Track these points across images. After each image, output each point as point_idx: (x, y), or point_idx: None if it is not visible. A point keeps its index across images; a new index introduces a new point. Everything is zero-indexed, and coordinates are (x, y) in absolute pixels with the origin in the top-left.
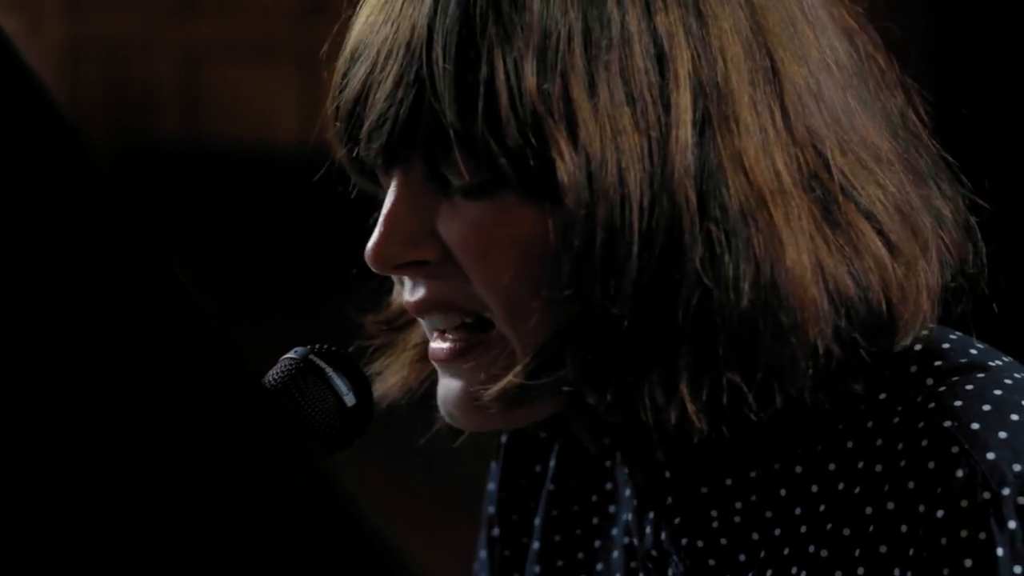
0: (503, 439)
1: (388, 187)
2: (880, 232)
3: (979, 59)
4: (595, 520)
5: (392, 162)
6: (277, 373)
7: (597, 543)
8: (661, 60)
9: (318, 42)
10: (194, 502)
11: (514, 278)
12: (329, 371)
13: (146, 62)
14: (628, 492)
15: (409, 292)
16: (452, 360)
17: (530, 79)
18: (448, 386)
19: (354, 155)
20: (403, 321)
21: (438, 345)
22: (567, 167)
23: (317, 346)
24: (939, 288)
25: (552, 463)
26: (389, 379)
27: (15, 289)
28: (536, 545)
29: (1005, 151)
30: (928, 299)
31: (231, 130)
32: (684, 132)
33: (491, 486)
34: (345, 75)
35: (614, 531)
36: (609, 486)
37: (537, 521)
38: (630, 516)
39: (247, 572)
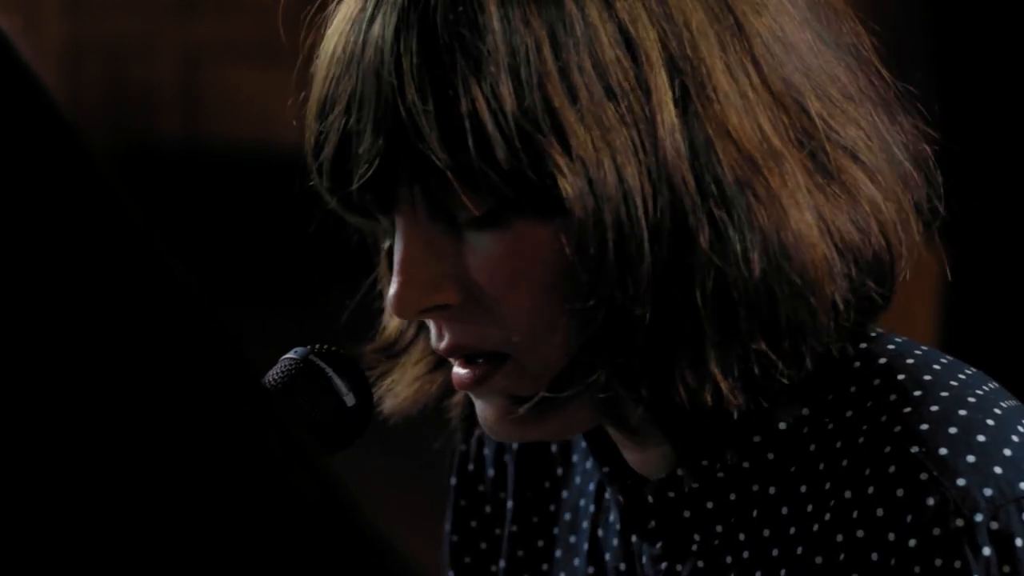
0: (452, 481)
1: (391, 227)
2: (867, 172)
3: (979, 59)
4: (557, 553)
5: (391, 206)
6: (277, 373)
7: (558, 553)
8: (630, 45)
9: (318, 42)
10: (194, 502)
11: (543, 300)
12: (329, 371)
13: (146, 62)
14: (587, 524)
15: (436, 339)
16: (474, 387)
17: (509, 100)
18: (481, 407)
19: (347, 204)
20: (402, 345)
21: (460, 371)
22: (567, 178)
23: (317, 346)
24: (918, 216)
25: (510, 504)
26: (401, 394)
27: (14, 289)
28: (502, 563)
29: (1004, 152)
30: (916, 227)
31: (231, 130)
32: (668, 114)
33: (446, 526)
34: (319, 134)
35: (576, 561)
36: (568, 516)
37: (503, 564)
38: (587, 524)
39: (247, 572)
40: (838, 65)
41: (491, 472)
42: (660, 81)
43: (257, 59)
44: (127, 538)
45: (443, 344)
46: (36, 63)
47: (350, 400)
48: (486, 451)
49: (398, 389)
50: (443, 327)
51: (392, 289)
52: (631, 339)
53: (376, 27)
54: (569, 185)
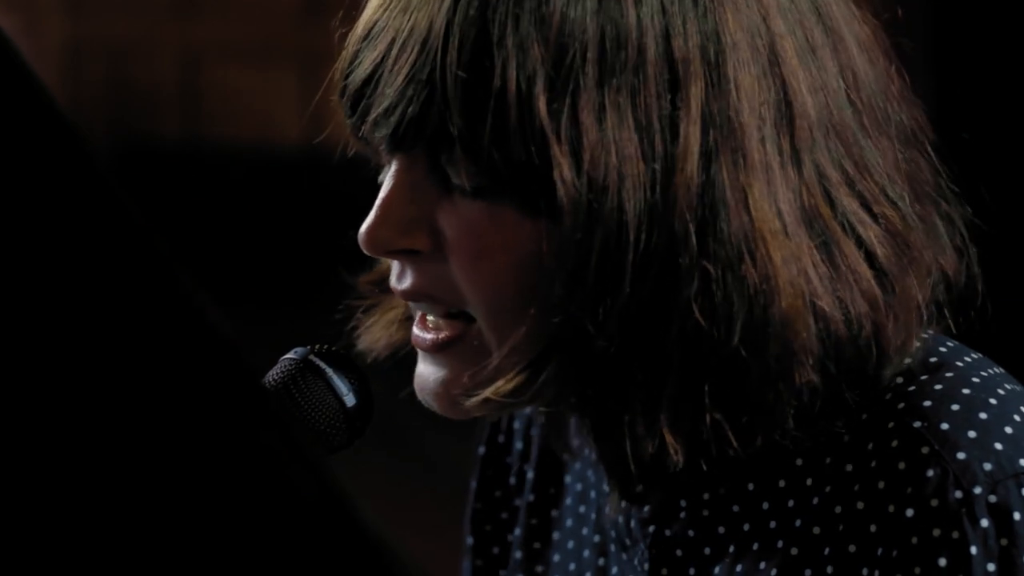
0: (481, 451)
1: (388, 166)
2: (878, 274)
3: (978, 61)
4: (568, 522)
5: (395, 149)
6: (277, 373)
7: (570, 544)
8: (674, 88)
9: (318, 42)
10: (194, 502)
11: (501, 283)
12: (329, 371)
13: (146, 62)
14: (594, 493)
15: (396, 279)
16: (434, 351)
17: (540, 97)
18: (426, 373)
19: (359, 132)
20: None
21: (421, 334)
22: (568, 190)
23: (317, 346)
24: (930, 318)
25: (530, 475)
26: (376, 334)
27: (14, 289)
28: (518, 555)
29: (1003, 154)
30: (916, 337)
31: (231, 130)
32: (691, 165)
33: (469, 498)
34: (356, 55)
35: (584, 531)
36: (579, 487)
37: (518, 532)
38: (595, 494)
39: (247, 572)
40: (888, 154)
41: (519, 445)
42: (692, 132)
43: (257, 59)
44: (126, 535)
45: (403, 286)
46: (36, 63)
47: (350, 400)
48: (516, 424)
49: (374, 330)
50: (407, 269)
51: (365, 224)
52: (589, 367)
53: None
54: (567, 197)
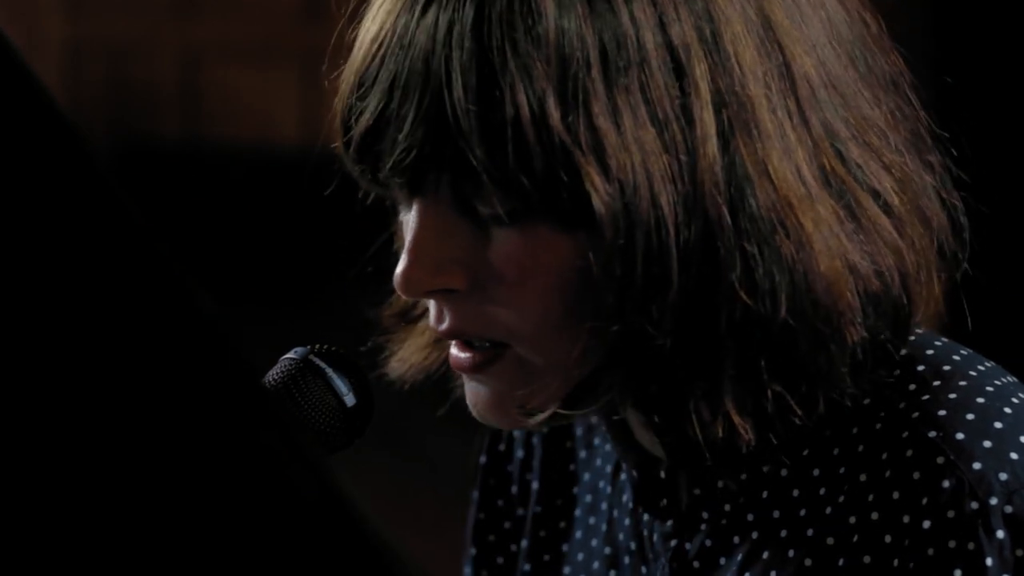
0: (482, 460)
1: (408, 207)
2: (895, 222)
3: (979, 59)
4: (578, 534)
5: (417, 192)
6: (277, 373)
7: (579, 556)
8: (680, 74)
9: (318, 42)
10: (194, 502)
11: (544, 307)
12: (329, 371)
13: (146, 62)
14: (605, 505)
15: (435, 321)
16: (473, 371)
17: (554, 113)
18: (476, 391)
19: (373, 179)
20: (419, 311)
21: (458, 354)
22: (602, 198)
23: (317, 346)
24: (938, 263)
25: (535, 486)
26: (409, 360)
27: (14, 289)
28: (527, 567)
29: (1004, 149)
30: (937, 280)
31: (231, 131)
32: (711, 147)
33: (472, 508)
34: (351, 108)
35: (594, 542)
36: (589, 498)
37: (525, 543)
38: (606, 505)
39: (247, 572)
40: (877, 105)
41: (520, 453)
42: (706, 114)
43: (257, 59)
44: (127, 535)
45: (443, 327)
46: (36, 63)
47: (350, 400)
48: (516, 432)
49: (406, 355)
50: (445, 310)
51: (399, 267)
52: (649, 365)
53: (430, 15)
54: (603, 205)
